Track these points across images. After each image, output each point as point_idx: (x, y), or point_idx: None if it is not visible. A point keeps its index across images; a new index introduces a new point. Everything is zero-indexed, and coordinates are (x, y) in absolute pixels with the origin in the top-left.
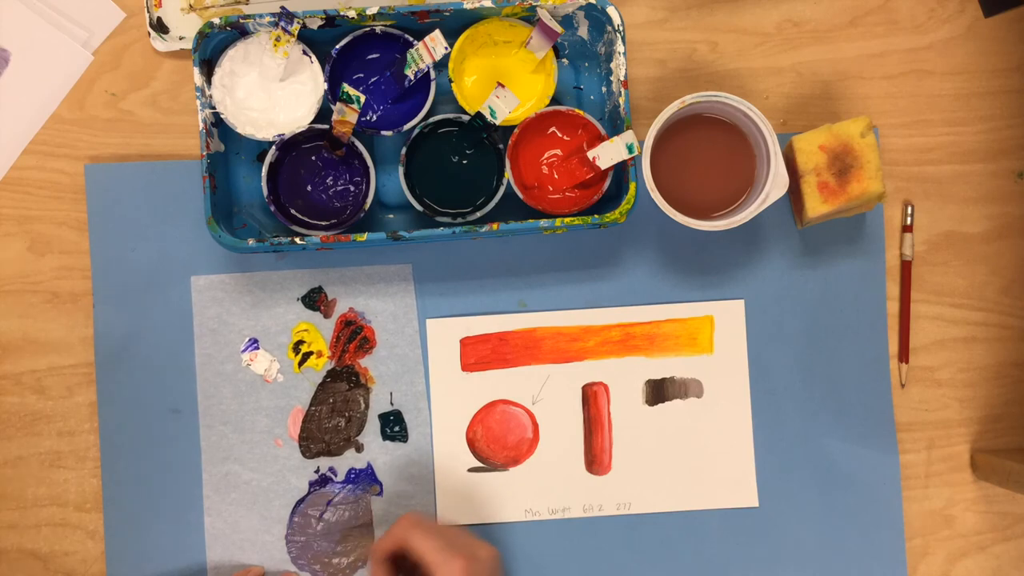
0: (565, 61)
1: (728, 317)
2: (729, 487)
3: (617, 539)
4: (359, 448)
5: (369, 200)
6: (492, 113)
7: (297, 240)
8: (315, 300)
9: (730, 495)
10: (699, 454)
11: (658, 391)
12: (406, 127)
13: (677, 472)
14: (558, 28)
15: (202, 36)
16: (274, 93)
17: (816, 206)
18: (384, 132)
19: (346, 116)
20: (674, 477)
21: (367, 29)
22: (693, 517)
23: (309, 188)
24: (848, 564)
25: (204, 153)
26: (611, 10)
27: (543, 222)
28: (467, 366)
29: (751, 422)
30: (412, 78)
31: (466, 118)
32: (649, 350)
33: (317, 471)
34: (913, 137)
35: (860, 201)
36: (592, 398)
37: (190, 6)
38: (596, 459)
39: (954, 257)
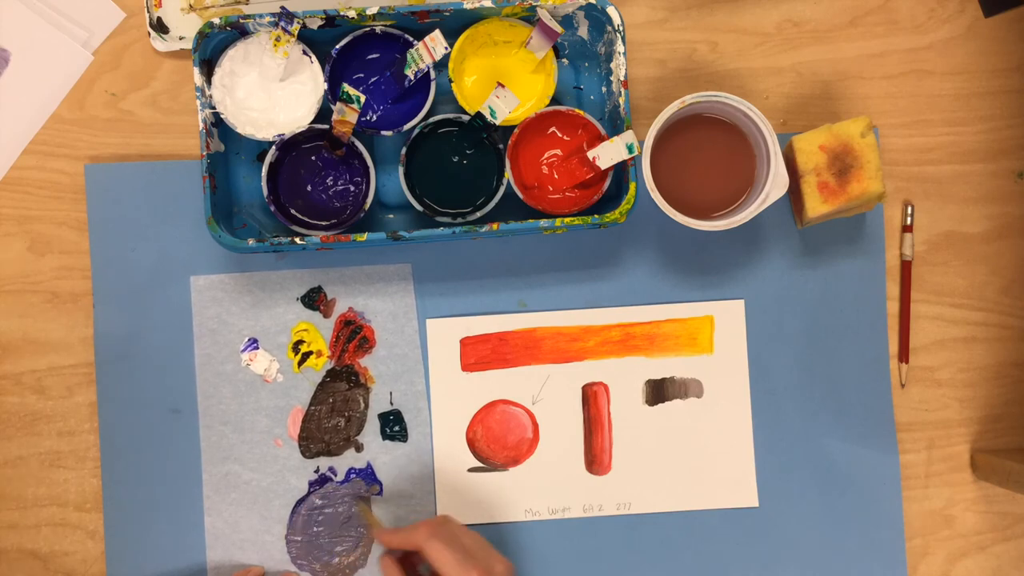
0: (565, 61)
1: (728, 317)
2: (729, 487)
3: (617, 539)
4: (359, 448)
5: (369, 200)
6: (492, 113)
7: (297, 240)
8: (315, 300)
9: (730, 495)
10: (699, 454)
11: (658, 391)
12: (406, 127)
13: (677, 472)
14: (558, 28)
15: (202, 36)
16: (274, 93)
17: (816, 206)
18: (384, 132)
19: (346, 116)
20: (674, 477)
21: (367, 29)
22: (693, 517)
23: (309, 188)
24: (848, 564)
25: (204, 153)
26: (611, 10)
27: (543, 222)
28: (467, 366)
29: (751, 422)
30: (412, 78)
31: (466, 118)
32: (649, 350)
33: (317, 471)
34: (913, 137)
35: (860, 201)
36: (592, 398)
37: (190, 6)
38: (596, 459)
39: (954, 257)
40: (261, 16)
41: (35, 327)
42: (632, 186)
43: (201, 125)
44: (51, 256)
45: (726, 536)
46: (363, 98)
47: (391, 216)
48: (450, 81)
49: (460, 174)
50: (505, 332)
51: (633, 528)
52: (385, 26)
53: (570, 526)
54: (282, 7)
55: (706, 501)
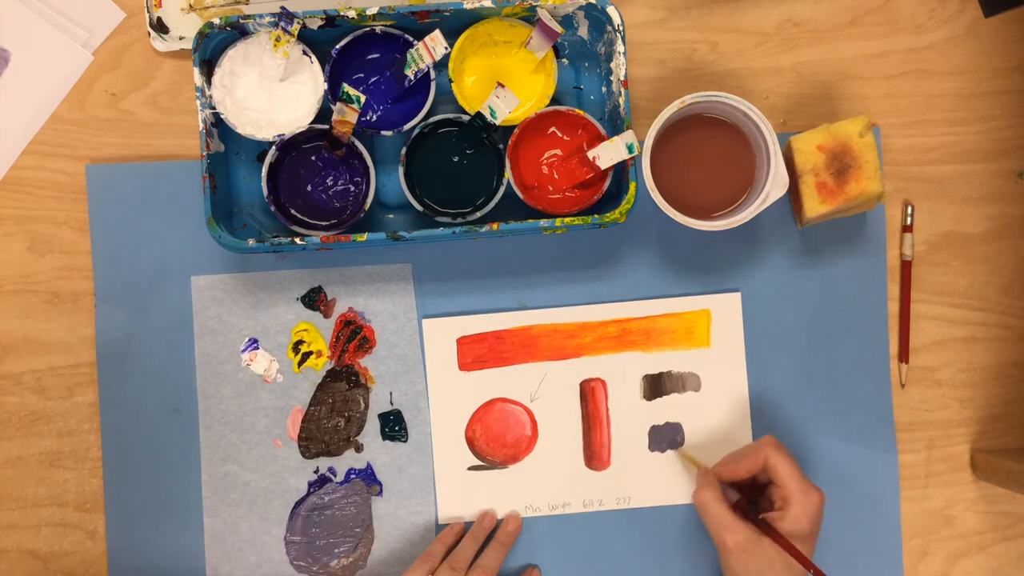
0: (565, 61)
1: (724, 310)
2: None
3: (617, 534)
4: (359, 448)
5: (369, 200)
6: (492, 113)
7: (297, 240)
8: (315, 300)
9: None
10: (698, 447)
11: (656, 386)
12: (406, 127)
13: (676, 466)
14: (558, 28)
15: (202, 36)
16: (274, 93)
17: (814, 206)
18: (384, 132)
19: (346, 116)
20: (673, 471)
21: (367, 29)
22: (693, 511)
23: (309, 188)
24: (847, 564)
25: (204, 153)
26: (611, 10)
27: (543, 222)
28: (464, 365)
29: (750, 414)
30: (412, 78)
31: (466, 118)
32: (646, 345)
33: (316, 471)
34: (913, 137)
35: (859, 201)
36: (590, 394)
37: (190, 6)
38: (595, 455)
39: (954, 257)
40: (261, 16)
41: (35, 327)
42: (632, 186)
43: (201, 125)
44: (51, 256)
45: None
46: (363, 98)
47: (391, 216)
48: (450, 81)
49: (460, 174)
50: (501, 330)
51: (633, 522)
52: (385, 26)
53: (571, 522)
54: (282, 7)
55: None
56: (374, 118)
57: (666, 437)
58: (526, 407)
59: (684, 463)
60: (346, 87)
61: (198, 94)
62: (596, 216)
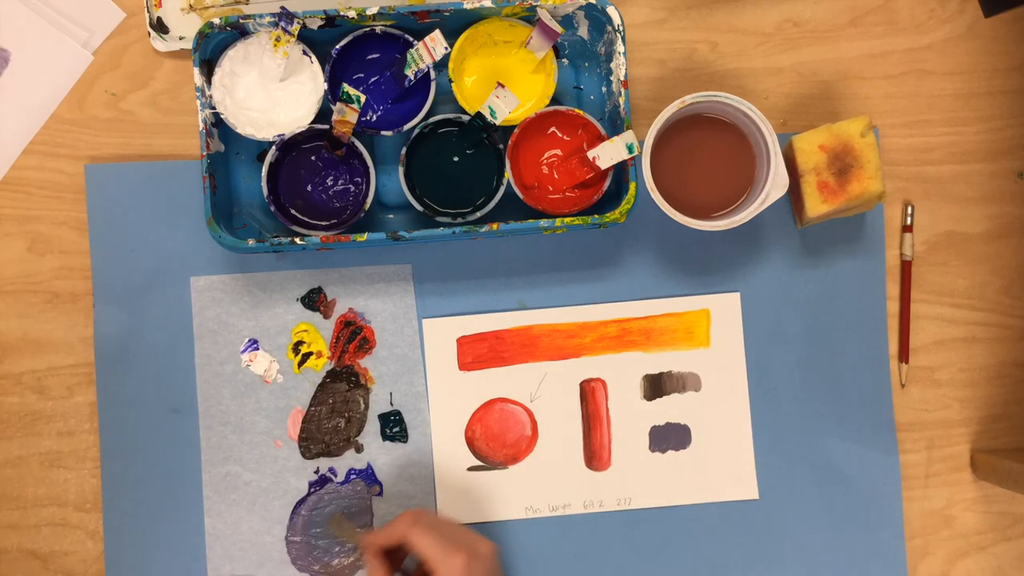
0: (565, 61)
1: (724, 310)
2: (729, 479)
3: (618, 534)
4: (359, 448)
5: (369, 200)
6: (492, 113)
7: (297, 240)
8: (315, 300)
9: (730, 487)
10: (698, 447)
11: (656, 386)
12: (406, 127)
13: (677, 466)
14: (558, 28)
15: (202, 36)
16: (274, 93)
17: (816, 205)
18: (384, 132)
19: (346, 116)
20: (674, 471)
21: (367, 29)
22: (694, 511)
23: (309, 188)
24: (848, 564)
25: (204, 153)
26: (611, 10)
27: (543, 222)
28: (464, 365)
29: (750, 414)
30: (412, 78)
31: (466, 118)
32: (646, 345)
33: (317, 472)
34: (913, 137)
35: (860, 201)
36: (590, 394)
37: (190, 6)
38: (595, 455)
39: (954, 257)
40: (261, 16)
41: (35, 327)
42: (632, 186)
43: (201, 125)
44: (51, 256)
45: (727, 531)
46: (363, 98)
47: (391, 216)
48: (450, 81)
49: (460, 174)
50: (501, 330)
51: (634, 523)
52: (385, 26)
53: (571, 523)
54: (282, 7)
55: (706, 494)
56: (374, 118)
57: (667, 437)
58: (526, 407)
59: (340, 534)
60: (346, 87)
61: (198, 94)
62: (596, 216)
